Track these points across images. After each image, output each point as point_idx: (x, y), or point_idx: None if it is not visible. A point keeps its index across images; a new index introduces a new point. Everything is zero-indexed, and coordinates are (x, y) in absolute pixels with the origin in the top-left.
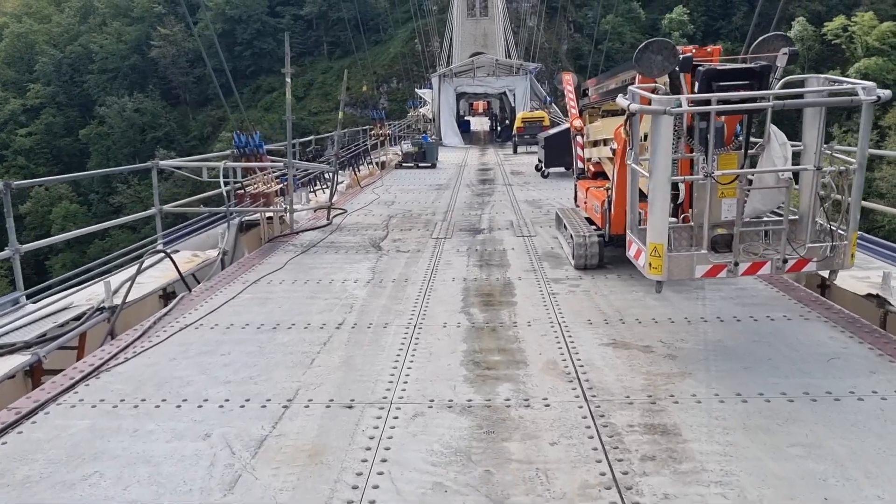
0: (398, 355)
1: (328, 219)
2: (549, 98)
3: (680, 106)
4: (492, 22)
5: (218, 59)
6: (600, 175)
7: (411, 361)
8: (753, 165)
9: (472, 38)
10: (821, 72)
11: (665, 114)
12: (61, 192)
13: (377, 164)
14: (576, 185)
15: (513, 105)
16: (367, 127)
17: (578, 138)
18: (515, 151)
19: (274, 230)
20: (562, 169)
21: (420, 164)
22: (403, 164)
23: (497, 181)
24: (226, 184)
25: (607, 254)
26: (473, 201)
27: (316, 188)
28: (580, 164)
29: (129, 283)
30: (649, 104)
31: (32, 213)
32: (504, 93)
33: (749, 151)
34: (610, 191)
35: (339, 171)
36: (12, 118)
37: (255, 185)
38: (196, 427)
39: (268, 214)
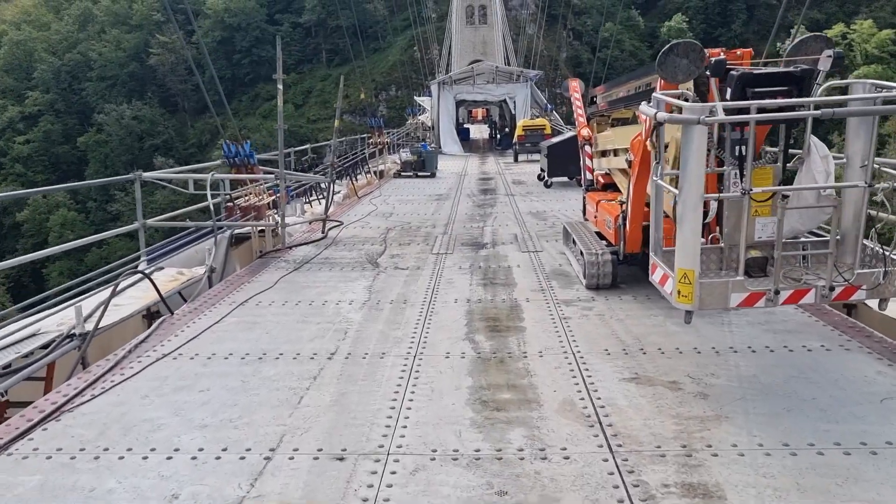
0: (396, 392)
1: (323, 232)
2: (549, 106)
3: (715, 115)
4: (491, 29)
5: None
6: (610, 187)
7: (410, 400)
8: (789, 181)
9: (471, 46)
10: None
11: (699, 124)
12: (59, 199)
13: (375, 172)
14: (584, 198)
15: (513, 113)
16: (365, 135)
17: (587, 148)
18: (516, 160)
19: (266, 244)
20: (565, 178)
21: (419, 174)
22: (402, 174)
23: (499, 191)
24: (214, 196)
25: (621, 272)
26: (475, 213)
27: (312, 199)
28: (589, 176)
29: (102, 308)
30: (679, 112)
31: (30, 221)
32: (504, 100)
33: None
34: (625, 206)
35: (336, 181)
36: (10, 125)
37: (246, 198)
38: (163, 485)
39: (260, 228)
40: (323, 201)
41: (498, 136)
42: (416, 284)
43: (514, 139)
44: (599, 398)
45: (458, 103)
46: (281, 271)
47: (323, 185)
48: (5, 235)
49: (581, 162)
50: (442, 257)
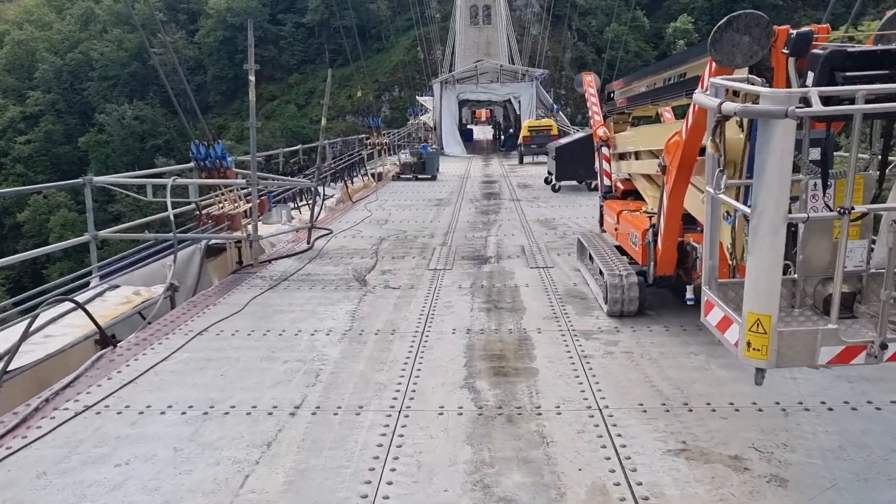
0: (372, 469)
1: (309, 242)
2: (556, 106)
3: (809, 105)
4: (495, 30)
5: (217, 67)
6: (630, 194)
7: (390, 483)
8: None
9: (475, 46)
10: None
11: (786, 117)
12: (60, 200)
13: (373, 175)
14: (601, 207)
15: (518, 113)
16: (362, 136)
17: (604, 150)
18: (521, 162)
19: (244, 257)
20: (574, 182)
21: (419, 176)
22: (401, 176)
23: (503, 195)
24: (178, 204)
25: (648, 294)
26: (478, 220)
27: (301, 204)
28: (606, 182)
29: (13, 349)
30: (755, 102)
31: (31, 222)
32: (508, 100)
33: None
34: (657, 220)
35: (331, 185)
36: (11, 125)
37: (220, 205)
38: None
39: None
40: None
41: (502, 136)
42: (407, 309)
43: (520, 140)
44: (640, 483)
45: (462, 103)
46: (254, 290)
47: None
48: (6, 236)
49: (596, 166)
50: (440, 274)
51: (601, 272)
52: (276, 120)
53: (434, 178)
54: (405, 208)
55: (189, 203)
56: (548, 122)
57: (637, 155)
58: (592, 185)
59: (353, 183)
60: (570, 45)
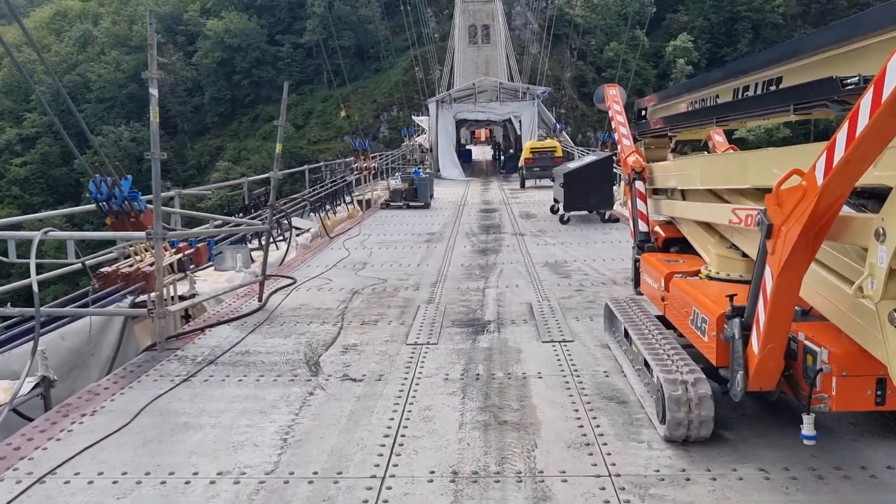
0: None
1: (260, 299)
2: (559, 125)
3: None
4: (494, 49)
5: (215, 88)
6: (674, 242)
7: None
8: None
9: (473, 66)
10: None
11: None
12: (55, 222)
13: (361, 202)
14: (637, 261)
15: (518, 133)
16: (349, 159)
17: (638, 185)
18: (523, 186)
19: (168, 326)
20: (584, 212)
21: (411, 204)
22: (391, 204)
23: (504, 228)
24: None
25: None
26: (474, 263)
27: (276, 239)
28: (642, 226)
29: None
30: None
31: (22, 246)
32: (509, 119)
33: None
34: (749, 305)
35: (310, 214)
36: (7, 147)
37: (139, 257)
38: None
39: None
40: (283, 245)
41: (502, 157)
42: (368, 422)
43: (521, 163)
44: None
45: (459, 123)
46: (162, 383)
47: (294, 222)
48: None
49: (629, 205)
50: (421, 353)
51: (647, 364)
52: (274, 141)
53: (427, 205)
54: (390, 245)
55: (70, 264)
56: (551, 143)
57: (685, 193)
58: (606, 216)
59: (335, 213)
60: (569, 64)
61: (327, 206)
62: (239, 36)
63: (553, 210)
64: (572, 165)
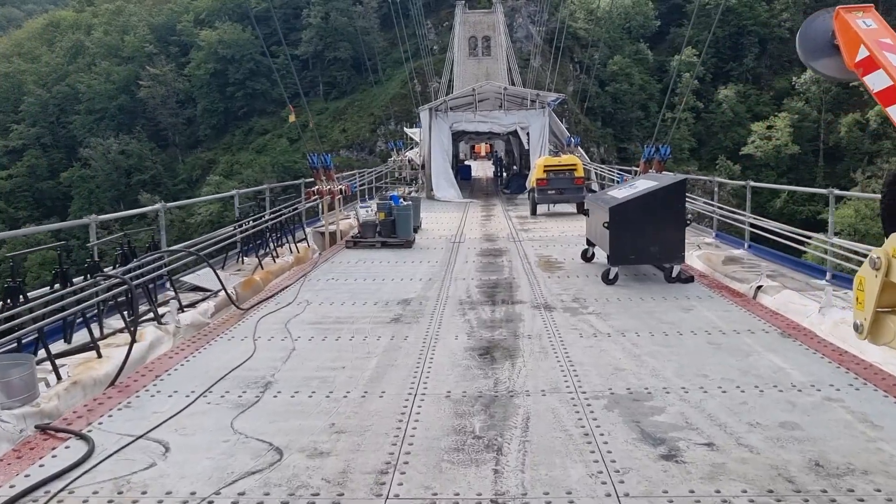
0: None
1: None
2: (574, 139)
3: None
4: (495, 61)
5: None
6: None
7: None
8: None
9: (473, 78)
10: (838, 115)
11: None
12: (39, 238)
13: (324, 233)
14: None
15: (526, 147)
16: (308, 179)
17: None
18: (534, 213)
19: None
20: (643, 265)
21: (388, 241)
22: (360, 241)
23: (518, 289)
24: None
25: None
26: (471, 391)
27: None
28: None
29: None
30: None
31: (6, 261)
32: (514, 131)
33: None
34: None
35: (241, 259)
36: None
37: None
38: None
39: None
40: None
41: (503, 174)
42: None
43: (532, 184)
44: None
45: (456, 135)
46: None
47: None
48: None
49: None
50: None
51: None
52: (268, 154)
53: (409, 244)
54: (331, 331)
55: None
56: (571, 159)
57: None
58: (675, 274)
59: (276, 256)
60: (571, 77)
61: (270, 245)
62: (232, 47)
63: (587, 256)
64: (620, 195)
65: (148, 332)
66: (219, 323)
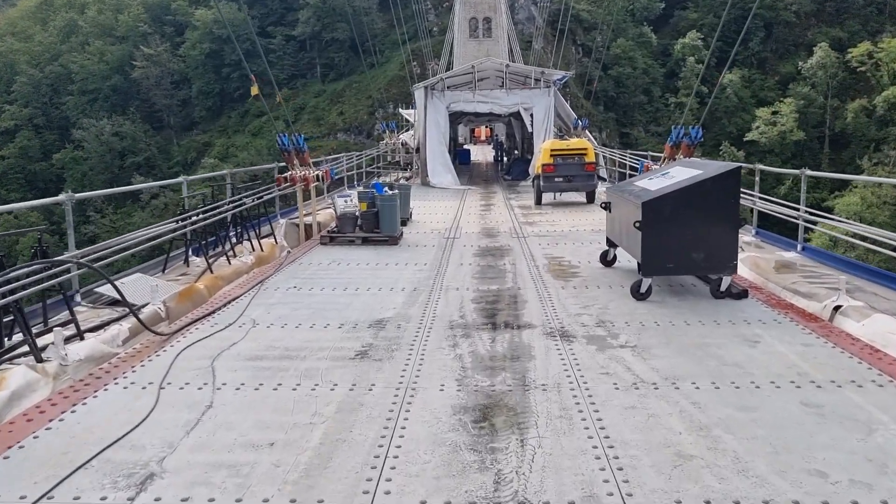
0: None
1: None
2: (581, 121)
3: None
4: (496, 43)
5: (202, 81)
6: None
7: None
8: None
9: (473, 59)
10: (845, 100)
11: None
12: (32, 220)
13: (299, 225)
14: None
15: (529, 130)
16: (280, 163)
17: None
18: (539, 202)
19: None
20: (676, 273)
21: (371, 238)
22: (337, 236)
23: (525, 308)
24: None
25: None
26: (458, 501)
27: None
28: None
29: None
30: None
31: None
32: (516, 112)
33: None
34: None
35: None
36: None
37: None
38: None
39: None
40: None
41: (504, 159)
42: None
43: (537, 170)
44: None
45: (454, 116)
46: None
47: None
48: None
49: None
50: None
51: None
52: (264, 137)
53: (395, 241)
54: (268, 377)
55: None
56: (581, 143)
57: None
58: (723, 287)
59: (230, 260)
60: (574, 61)
61: (229, 243)
62: (229, 26)
63: (606, 259)
64: (653, 186)
65: (14, 374)
66: (127, 356)
